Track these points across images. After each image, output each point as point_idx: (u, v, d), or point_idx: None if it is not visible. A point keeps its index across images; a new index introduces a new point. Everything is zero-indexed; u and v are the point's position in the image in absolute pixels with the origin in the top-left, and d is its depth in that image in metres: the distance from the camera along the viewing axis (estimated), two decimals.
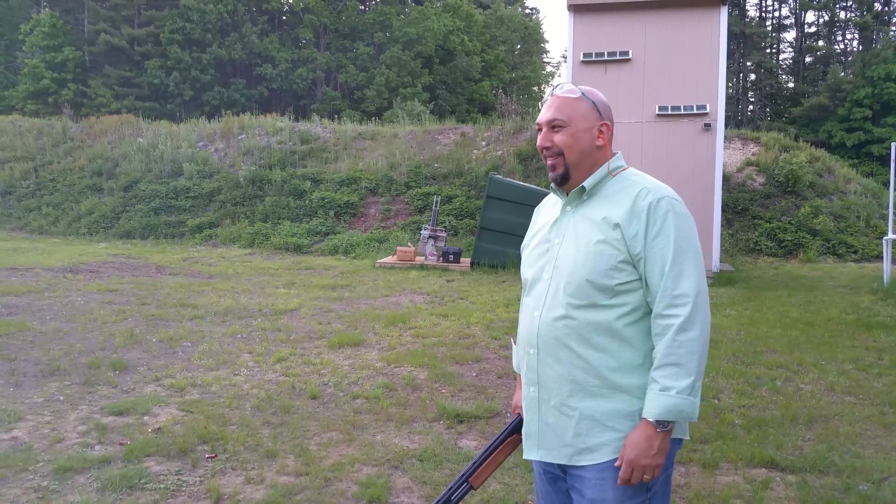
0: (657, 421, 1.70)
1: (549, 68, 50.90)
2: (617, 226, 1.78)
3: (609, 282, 1.77)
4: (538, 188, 12.06)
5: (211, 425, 4.30)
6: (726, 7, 10.14)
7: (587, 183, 1.87)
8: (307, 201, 16.31)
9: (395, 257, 12.40)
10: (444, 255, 12.02)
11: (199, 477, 3.62)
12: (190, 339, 6.55)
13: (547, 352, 1.84)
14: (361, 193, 16.39)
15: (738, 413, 4.74)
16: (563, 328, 1.81)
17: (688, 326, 1.71)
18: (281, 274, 11.18)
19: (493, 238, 11.36)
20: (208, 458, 3.85)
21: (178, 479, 3.57)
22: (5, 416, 4.36)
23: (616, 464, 1.76)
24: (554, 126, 1.86)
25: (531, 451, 1.94)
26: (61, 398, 4.77)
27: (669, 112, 10.39)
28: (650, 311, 1.78)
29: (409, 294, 9.38)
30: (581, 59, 10.58)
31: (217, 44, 34.76)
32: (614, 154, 1.93)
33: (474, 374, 5.58)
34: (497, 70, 41.37)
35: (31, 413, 4.46)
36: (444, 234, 12.42)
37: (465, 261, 12.06)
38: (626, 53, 10.44)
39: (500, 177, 11.93)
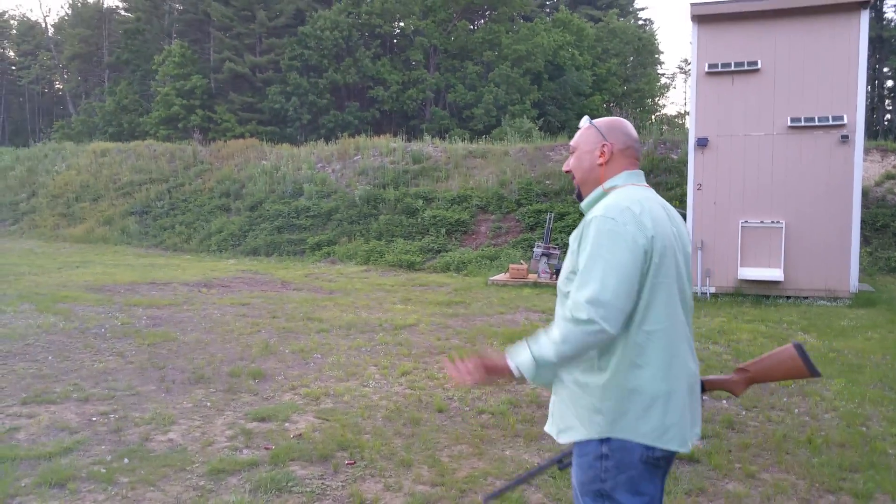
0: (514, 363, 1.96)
1: (663, 80, 49.65)
2: (575, 241, 2.00)
3: (564, 289, 2.00)
4: None
5: (347, 433, 4.45)
6: (867, 11, 9.56)
7: (583, 203, 2.15)
8: (419, 219, 16.63)
9: (508, 275, 12.41)
10: (558, 273, 11.90)
11: (342, 482, 3.76)
12: (319, 351, 6.82)
13: None
14: (472, 211, 16.54)
15: (890, 442, 4.42)
16: None
17: (562, 328, 1.87)
18: (397, 290, 11.44)
19: None
20: (348, 464, 3.99)
21: (322, 484, 3.72)
22: (161, 419, 4.70)
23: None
24: (571, 153, 2.18)
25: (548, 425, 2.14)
26: (208, 404, 5.09)
27: (802, 124, 9.87)
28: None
29: (524, 311, 9.35)
30: (706, 70, 10.26)
31: (332, 69, 36.24)
32: (622, 173, 2.10)
33: None
34: (609, 84, 40.75)
35: (182, 417, 4.78)
36: (557, 252, 12.32)
37: None
38: (755, 63, 10.03)
39: None
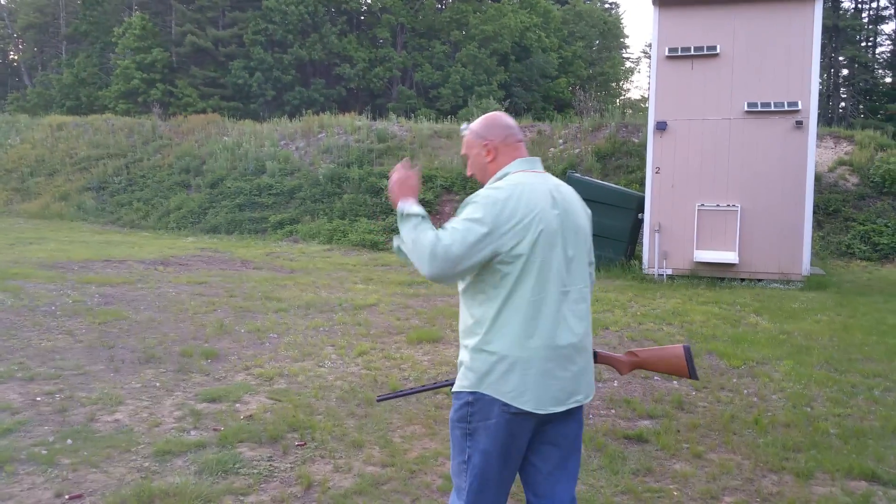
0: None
1: (628, 64, 49.92)
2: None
3: None
4: (618, 187, 11.86)
5: (299, 414, 4.42)
6: (821, 0, 9.70)
7: None
8: (383, 199, 16.52)
9: None
10: None
11: (290, 464, 3.73)
12: (276, 330, 6.76)
13: None
14: (437, 192, 16.49)
15: (832, 422, 4.55)
16: None
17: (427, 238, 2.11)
18: (359, 270, 11.38)
19: None
20: (298, 445, 3.97)
21: (270, 465, 3.69)
22: (108, 399, 4.60)
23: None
24: (466, 160, 2.38)
25: None
26: (157, 384, 5.00)
27: (759, 109, 10.01)
28: (474, 284, 2.19)
29: None
30: (666, 54, 10.32)
31: (298, 44, 35.63)
32: (513, 162, 2.30)
33: None
34: (574, 66, 40.82)
35: (130, 398, 4.69)
36: None
37: None
38: (714, 48, 10.12)
39: (578, 175, 11.79)
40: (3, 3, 50.06)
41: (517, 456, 2.21)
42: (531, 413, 2.12)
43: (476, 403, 2.14)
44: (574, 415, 2.26)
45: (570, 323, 2.19)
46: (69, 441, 3.88)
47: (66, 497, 3.25)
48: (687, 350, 2.41)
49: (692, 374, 2.42)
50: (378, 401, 3.11)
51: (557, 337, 2.15)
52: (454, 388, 2.24)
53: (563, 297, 2.17)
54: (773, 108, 9.93)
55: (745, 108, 10.08)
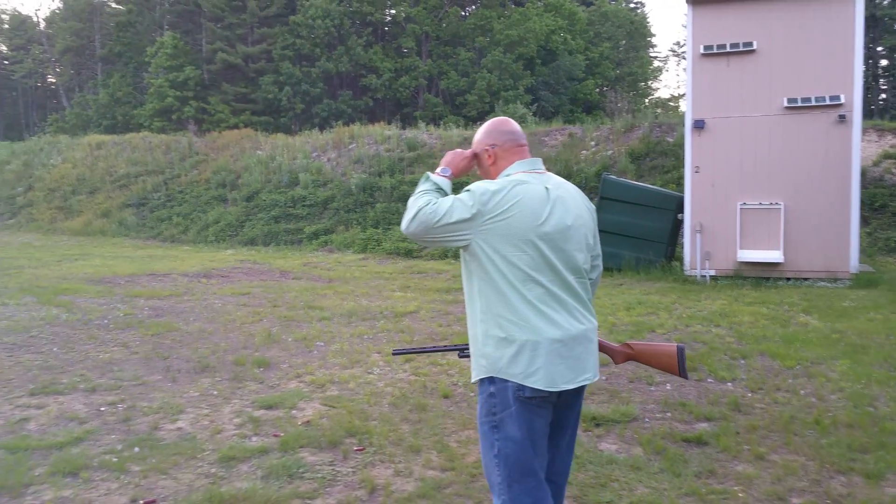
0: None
1: (656, 63, 49.52)
2: None
3: None
4: (655, 187, 11.76)
5: (354, 420, 4.46)
6: None
7: None
8: None
9: None
10: None
11: (352, 468, 3.77)
12: (322, 338, 6.83)
13: None
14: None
15: None
16: None
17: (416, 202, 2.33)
18: (395, 278, 11.44)
19: (608, 240, 11.07)
20: (357, 450, 4.01)
21: (333, 470, 3.74)
22: (169, 408, 4.70)
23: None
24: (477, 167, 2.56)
25: None
26: (215, 392, 5.09)
27: (799, 104, 9.85)
28: (475, 274, 2.34)
29: None
30: (701, 52, 10.21)
31: (325, 57, 36.03)
32: (514, 164, 2.45)
33: (604, 378, 5.51)
34: (602, 67, 40.60)
35: (190, 406, 4.78)
36: None
37: None
38: (751, 44, 9.99)
39: (614, 177, 11.71)
40: (41, 28, 51.50)
41: (542, 440, 2.32)
42: (545, 394, 2.26)
43: (497, 394, 2.28)
44: (578, 394, 2.43)
45: (572, 311, 2.34)
46: (136, 449, 3.97)
47: (142, 502, 3.33)
48: (681, 351, 2.55)
49: (682, 373, 2.55)
50: (394, 354, 3.25)
51: (560, 323, 2.29)
52: (472, 379, 2.38)
53: (563, 286, 2.33)
54: (814, 103, 9.77)
55: (785, 104, 9.94)
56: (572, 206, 2.42)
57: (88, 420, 4.47)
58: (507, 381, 2.25)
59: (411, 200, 2.34)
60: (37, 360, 5.94)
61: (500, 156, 2.47)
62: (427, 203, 2.28)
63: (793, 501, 3.42)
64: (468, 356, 2.49)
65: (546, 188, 2.37)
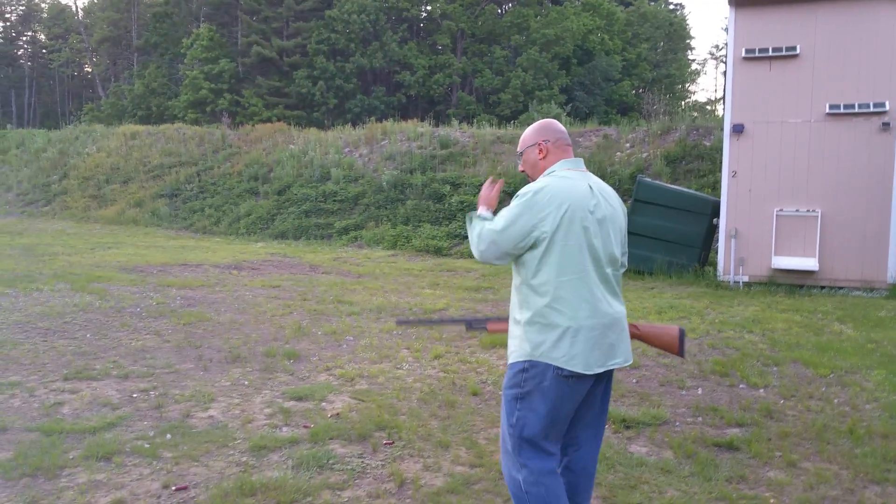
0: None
1: (694, 66, 48.92)
2: None
3: None
4: (691, 191, 11.61)
5: (383, 414, 4.48)
6: None
7: None
8: (446, 205, 16.61)
9: None
10: None
11: (381, 461, 3.79)
12: (351, 333, 6.86)
13: None
14: (500, 197, 16.43)
15: None
16: None
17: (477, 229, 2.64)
18: (425, 275, 11.45)
19: (641, 243, 11.04)
20: (386, 444, 4.02)
21: (362, 462, 3.76)
22: (201, 397, 4.76)
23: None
24: (520, 157, 2.79)
25: None
26: (245, 383, 5.15)
27: (841, 111, 9.65)
28: (520, 264, 2.58)
29: None
30: (742, 55, 10.05)
31: (359, 53, 36.20)
32: (558, 162, 2.67)
33: (634, 381, 5.47)
34: (639, 69, 40.23)
35: (221, 395, 4.84)
36: None
37: None
38: (794, 48, 9.81)
39: (649, 180, 11.58)
40: (79, 18, 52.51)
41: (565, 418, 2.55)
42: (581, 375, 2.47)
43: (530, 370, 2.49)
44: (604, 379, 2.64)
45: (609, 299, 2.56)
46: (168, 436, 4.03)
47: (173, 488, 3.37)
48: (681, 332, 2.84)
49: (681, 353, 2.85)
50: (397, 324, 3.39)
51: (598, 311, 2.50)
52: (510, 360, 2.58)
53: (601, 277, 2.54)
54: (857, 110, 9.57)
55: (827, 110, 9.74)
56: (614, 202, 2.67)
57: (121, 406, 4.55)
58: (545, 363, 2.47)
59: (471, 235, 2.64)
60: (70, 345, 6.06)
61: (550, 151, 2.69)
62: (483, 226, 2.58)
63: None
64: (476, 329, 2.88)
65: (589, 185, 2.60)
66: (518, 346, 2.54)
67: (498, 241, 2.52)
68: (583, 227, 2.49)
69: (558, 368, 2.44)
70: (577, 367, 2.45)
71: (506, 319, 2.82)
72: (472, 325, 3.02)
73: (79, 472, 3.53)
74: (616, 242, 2.61)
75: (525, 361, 2.50)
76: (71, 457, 3.69)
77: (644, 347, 6.44)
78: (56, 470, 3.53)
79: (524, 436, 2.52)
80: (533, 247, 2.50)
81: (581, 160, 2.70)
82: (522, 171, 2.76)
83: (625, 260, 2.73)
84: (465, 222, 2.91)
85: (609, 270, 2.57)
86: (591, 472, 2.74)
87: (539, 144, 2.70)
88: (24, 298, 8.00)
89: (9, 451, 3.75)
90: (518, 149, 2.79)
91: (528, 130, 2.76)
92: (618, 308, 2.59)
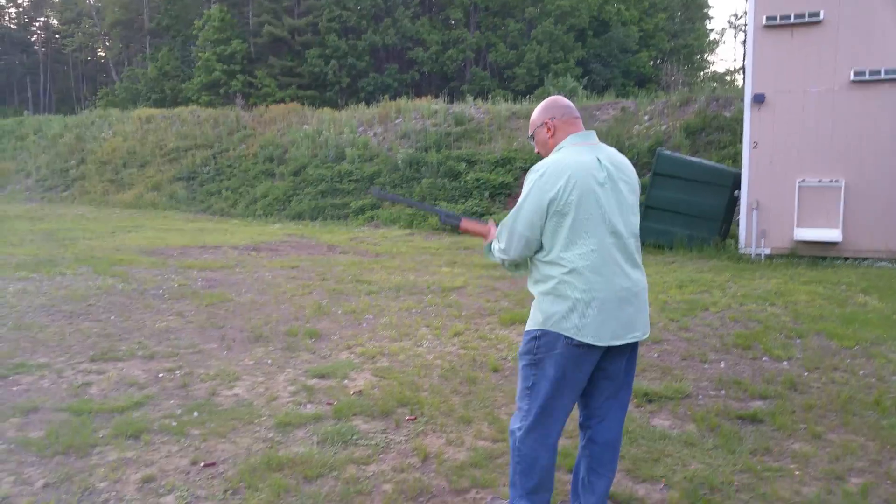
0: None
1: (712, 35, 48.07)
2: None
3: None
4: (711, 163, 11.46)
5: (405, 391, 4.50)
6: None
7: None
8: (462, 182, 16.55)
9: None
10: None
11: (404, 437, 3.81)
12: (370, 312, 6.89)
13: None
14: (516, 174, 16.38)
15: None
16: None
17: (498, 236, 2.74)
18: (442, 253, 11.44)
19: (660, 217, 10.95)
20: (409, 419, 4.05)
21: (386, 438, 3.79)
22: (225, 376, 4.81)
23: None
24: (532, 139, 2.81)
25: None
26: (269, 361, 5.19)
27: (867, 77, 9.44)
28: (541, 252, 2.61)
29: None
30: (763, 22, 9.86)
31: (371, 30, 35.94)
32: (567, 138, 2.68)
33: (655, 355, 5.45)
34: (656, 39, 39.53)
35: (245, 374, 4.89)
36: None
37: None
38: (817, 14, 9.58)
39: (668, 152, 11.43)
40: (91, 2, 52.53)
41: (577, 386, 2.59)
42: (592, 346, 2.49)
43: (542, 338, 2.55)
44: (626, 352, 2.64)
45: (626, 270, 2.55)
46: (195, 414, 4.08)
47: (202, 464, 3.42)
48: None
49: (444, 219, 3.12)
50: (374, 194, 3.54)
51: (613, 282, 2.51)
52: (526, 328, 2.65)
53: (617, 247, 2.54)
54: (883, 76, 9.36)
55: (852, 78, 9.54)
56: (627, 172, 2.66)
57: (147, 386, 4.61)
58: (556, 332, 2.51)
59: (496, 256, 2.74)
60: (95, 327, 6.13)
61: (558, 127, 2.70)
62: (496, 239, 2.74)
63: (852, 481, 3.35)
64: (449, 223, 2.99)
65: (598, 158, 2.59)
66: (532, 315, 2.62)
67: (514, 228, 2.58)
68: (593, 199, 2.51)
69: (568, 338, 2.49)
70: (587, 339, 2.48)
71: (483, 224, 2.99)
72: (447, 218, 3.05)
73: (109, 450, 3.59)
74: (634, 212, 2.63)
75: (538, 330, 2.57)
76: (101, 435, 3.75)
77: (665, 322, 6.42)
78: (87, 448, 3.59)
79: (537, 400, 2.59)
80: (546, 222, 2.54)
81: (592, 132, 2.71)
82: (538, 153, 2.79)
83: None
84: (482, 218, 3.03)
85: (628, 241, 2.58)
86: (614, 445, 2.75)
87: (546, 123, 2.72)
88: (47, 282, 8.10)
89: (41, 430, 3.82)
90: (529, 132, 2.83)
91: (535, 111, 2.79)
92: (637, 279, 2.59)
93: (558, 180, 2.51)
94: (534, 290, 2.64)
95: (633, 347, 2.66)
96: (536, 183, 2.54)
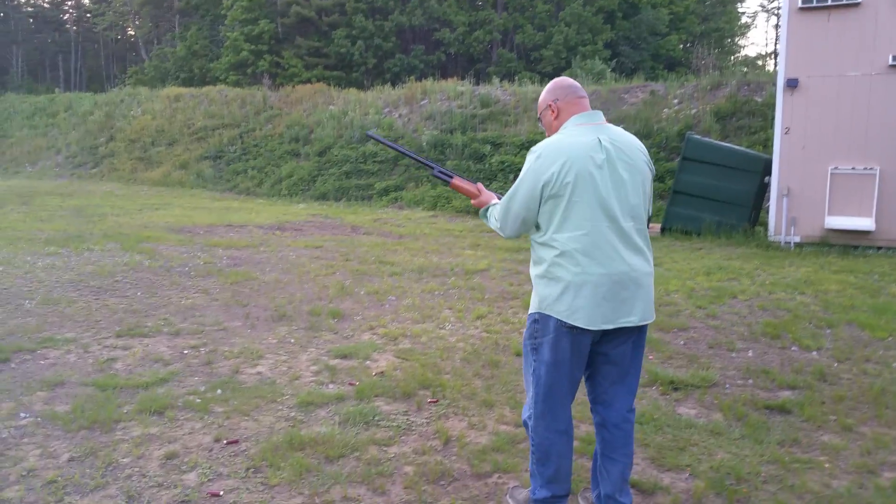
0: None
1: (744, 19, 47.09)
2: None
3: None
4: (741, 148, 11.23)
5: (427, 373, 4.49)
6: None
7: None
8: (487, 165, 16.44)
9: None
10: None
11: (426, 419, 3.80)
12: (393, 293, 6.88)
13: None
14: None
15: None
16: None
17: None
18: (465, 236, 11.40)
19: (688, 202, 10.77)
20: (430, 402, 4.03)
21: (408, 420, 3.77)
22: (249, 353, 4.84)
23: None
24: (541, 122, 2.80)
25: None
26: (292, 340, 5.21)
27: None
28: (537, 233, 2.61)
29: None
30: (799, 5, 9.58)
31: (398, 10, 35.71)
32: (570, 119, 2.64)
33: (681, 343, 5.37)
34: (686, 22, 38.73)
35: (269, 352, 4.91)
36: None
37: (654, 226, 11.56)
38: None
39: (698, 137, 11.22)
40: None
41: (576, 368, 2.58)
42: (584, 329, 2.48)
43: (539, 321, 2.56)
44: (630, 336, 2.60)
45: (622, 254, 2.50)
46: (219, 391, 4.10)
47: (225, 442, 3.44)
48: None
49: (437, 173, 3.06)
50: (370, 136, 3.42)
51: (607, 266, 2.47)
52: (529, 312, 2.67)
53: (613, 231, 2.49)
54: None
55: (890, 62, 9.26)
56: (631, 152, 2.59)
57: (172, 362, 4.65)
58: (549, 315, 2.52)
59: (490, 224, 2.83)
60: (122, 303, 6.20)
61: (562, 108, 2.67)
62: (495, 207, 2.79)
63: (885, 475, 3.27)
64: (440, 178, 2.97)
65: (598, 139, 2.54)
66: (532, 299, 2.65)
67: (510, 208, 2.61)
68: (589, 181, 2.47)
69: (560, 321, 2.49)
70: (579, 322, 2.47)
71: (473, 184, 2.97)
72: (439, 173, 3.01)
73: (133, 425, 3.62)
74: (636, 194, 2.55)
75: (535, 313, 2.59)
76: (125, 411, 3.79)
77: (692, 310, 6.32)
78: (111, 423, 3.62)
79: (539, 387, 2.60)
80: (541, 205, 2.54)
81: (598, 112, 2.65)
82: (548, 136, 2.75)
83: (649, 210, 2.71)
84: (493, 207, 3.00)
85: (626, 224, 2.51)
86: (625, 430, 2.70)
87: (550, 106, 2.70)
88: (75, 258, 8.20)
89: (67, 404, 3.87)
90: (537, 115, 2.82)
91: (541, 95, 2.77)
92: (635, 263, 2.53)
93: (553, 164, 2.49)
94: (532, 271, 2.66)
95: (639, 331, 2.62)
96: (532, 165, 2.54)
